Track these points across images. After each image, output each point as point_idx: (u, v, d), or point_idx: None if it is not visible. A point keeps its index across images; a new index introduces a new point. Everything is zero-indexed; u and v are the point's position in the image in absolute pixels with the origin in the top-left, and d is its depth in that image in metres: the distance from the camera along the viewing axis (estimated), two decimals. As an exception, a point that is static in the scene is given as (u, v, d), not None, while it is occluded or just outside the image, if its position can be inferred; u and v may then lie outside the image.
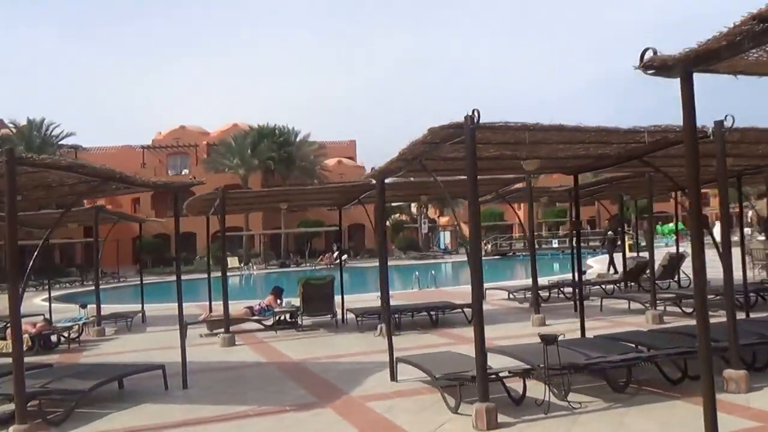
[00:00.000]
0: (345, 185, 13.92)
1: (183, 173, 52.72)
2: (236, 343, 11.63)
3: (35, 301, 24.96)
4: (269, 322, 13.33)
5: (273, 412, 6.89)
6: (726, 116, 6.20)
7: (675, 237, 18.93)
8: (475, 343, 5.97)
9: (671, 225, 52.89)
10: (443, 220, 60.11)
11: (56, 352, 11.82)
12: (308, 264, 43.04)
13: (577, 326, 11.52)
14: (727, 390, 6.42)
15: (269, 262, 44.47)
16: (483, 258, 25.33)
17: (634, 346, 7.55)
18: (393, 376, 7.96)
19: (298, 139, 49.37)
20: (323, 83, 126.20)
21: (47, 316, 13.83)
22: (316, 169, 49.25)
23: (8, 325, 13.13)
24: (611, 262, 21.57)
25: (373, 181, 15.08)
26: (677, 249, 16.95)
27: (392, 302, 14.51)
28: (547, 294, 15.71)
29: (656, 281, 16.42)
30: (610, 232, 23.82)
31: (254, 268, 41.12)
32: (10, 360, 7.12)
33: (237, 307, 13.23)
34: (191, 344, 11.95)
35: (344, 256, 44.00)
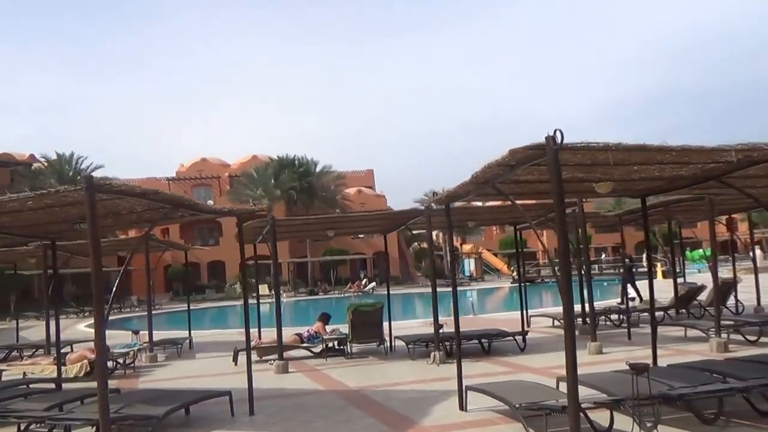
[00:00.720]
0: (392, 212, 13.86)
1: (208, 204, 53.48)
2: (289, 370, 11.52)
3: (79, 327, 25.16)
4: (318, 349, 13.24)
5: (348, 441, 6.77)
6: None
7: (710, 263, 18.60)
8: (567, 371, 5.79)
9: (701, 250, 52.36)
10: (465, 247, 59.87)
11: (113, 377, 11.80)
12: (336, 291, 42.98)
13: (636, 354, 11.38)
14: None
15: (298, 290, 44.53)
16: (510, 285, 25.48)
17: (720, 376, 7.31)
18: (462, 405, 7.78)
19: (317, 169, 50.09)
20: (337, 114, 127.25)
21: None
22: (337, 198, 49.70)
23: (72, 350, 13.30)
24: (623, 292, 20.89)
25: (422, 207, 15.03)
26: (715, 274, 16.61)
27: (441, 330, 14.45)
28: (595, 321, 15.39)
29: (708, 308, 16.30)
30: (627, 260, 23.08)
31: (284, 295, 41.10)
32: (81, 384, 7.14)
33: (285, 334, 13.13)
34: (243, 371, 11.93)
35: (372, 284, 43.99)
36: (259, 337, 14.17)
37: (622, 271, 23.87)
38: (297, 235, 19.12)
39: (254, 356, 12.85)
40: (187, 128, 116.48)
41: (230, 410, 8.10)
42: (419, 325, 17.95)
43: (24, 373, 11.95)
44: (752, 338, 11.71)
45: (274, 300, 38.97)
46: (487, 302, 31.06)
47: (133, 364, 12.66)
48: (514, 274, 49.68)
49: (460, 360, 8.20)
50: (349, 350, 12.95)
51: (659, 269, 41.34)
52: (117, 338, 15.88)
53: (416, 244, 56.85)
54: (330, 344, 13.20)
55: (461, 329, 13.47)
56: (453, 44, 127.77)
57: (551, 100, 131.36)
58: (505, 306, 26.98)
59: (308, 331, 13.35)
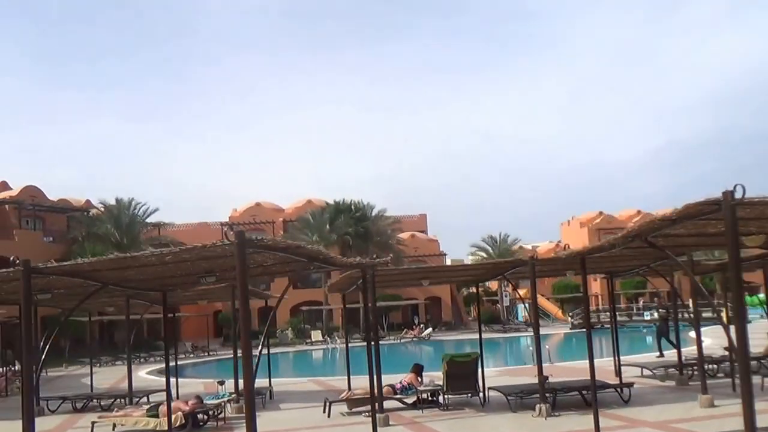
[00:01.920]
0: (494, 262, 13.71)
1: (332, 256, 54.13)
2: (390, 423, 11.29)
3: (139, 374, 25.24)
4: (410, 401, 13.00)
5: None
6: None
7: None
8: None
9: (761, 295, 50.81)
10: (520, 292, 59.03)
11: (205, 430, 11.70)
12: (391, 337, 42.63)
13: (760, 408, 10.87)
14: None
15: (352, 336, 44.28)
16: (570, 331, 24.78)
17: None
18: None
19: (373, 214, 50.13)
20: (388, 158, 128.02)
21: (198, 393, 13.82)
22: (391, 242, 49.56)
23: (148, 400, 13.27)
24: (660, 346, 20.70)
25: (524, 258, 14.72)
26: None
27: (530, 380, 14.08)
28: (690, 371, 14.85)
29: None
30: (662, 310, 22.72)
31: (338, 341, 40.88)
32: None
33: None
34: (339, 423, 11.76)
35: (429, 330, 43.54)
36: (349, 387, 13.96)
37: (657, 322, 22.94)
38: (390, 284, 18.88)
39: (344, 408, 12.76)
40: (240, 173, 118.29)
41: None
42: (496, 374, 17.54)
43: (114, 425, 11.94)
44: None
45: (331, 346, 38.94)
46: (552, 350, 30.35)
47: (223, 416, 12.57)
48: (571, 319, 48.89)
49: (597, 422, 7.85)
50: (444, 401, 12.68)
51: (724, 315, 40.13)
52: (191, 387, 15.80)
53: (465, 289, 56.44)
54: (424, 395, 12.96)
55: (555, 379, 13.17)
56: (507, 88, 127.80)
57: (605, 144, 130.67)
58: (570, 354, 26.32)
59: (401, 382, 13.11)
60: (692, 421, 10.02)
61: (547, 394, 11.70)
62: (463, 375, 12.62)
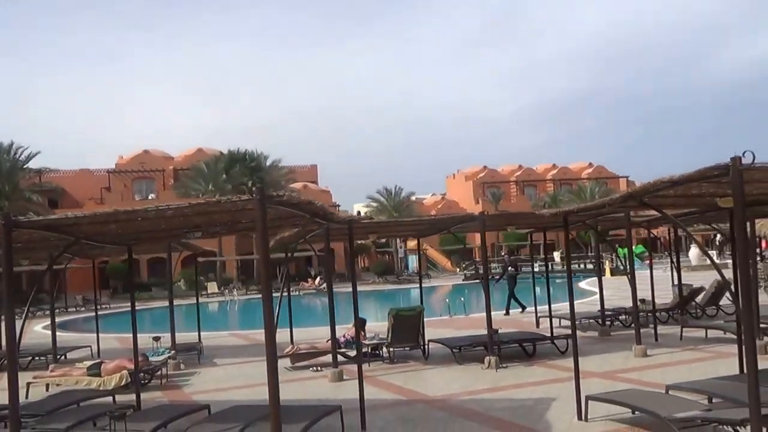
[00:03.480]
0: (447, 217, 13.80)
1: (150, 198, 51.73)
2: (344, 377, 11.25)
3: (36, 330, 23.69)
4: (352, 354, 13.01)
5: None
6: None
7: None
8: (749, 380, 5.87)
9: (634, 248, 55.00)
10: (410, 244, 60.35)
11: (150, 389, 11.14)
12: (293, 290, 42.35)
13: (685, 357, 11.80)
14: None
15: (249, 288, 43.60)
16: (462, 282, 25.26)
17: None
18: (581, 416, 7.81)
19: (268, 164, 49.21)
20: (276, 108, 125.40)
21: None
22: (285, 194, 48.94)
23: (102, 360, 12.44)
24: (509, 303, 20.93)
25: (475, 213, 14.94)
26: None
27: (465, 334, 14.48)
28: (610, 322, 15.82)
29: (704, 307, 17.07)
30: (511, 268, 22.32)
31: (236, 293, 40.13)
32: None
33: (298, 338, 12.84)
34: (290, 378, 11.57)
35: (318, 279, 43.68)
36: (291, 342, 13.76)
37: (507, 278, 22.21)
38: (338, 238, 18.26)
39: (287, 363, 12.58)
40: (126, 121, 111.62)
41: (341, 426, 7.84)
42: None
43: (47, 386, 11.15)
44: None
45: (228, 298, 37.98)
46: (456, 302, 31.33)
47: (166, 373, 12.03)
48: (465, 271, 50.66)
49: (578, 371, 8.18)
50: (388, 355, 12.80)
51: (607, 267, 43.05)
52: (107, 342, 15.02)
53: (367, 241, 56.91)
54: (367, 349, 13.00)
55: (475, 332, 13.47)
56: (392, 42, 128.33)
57: (483, 98, 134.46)
58: (474, 306, 27.25)
59: (344, 335, 13.06)
60: (634, 371, 10.68)
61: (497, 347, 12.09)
62: (407, 328, 12.75)
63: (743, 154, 5.87)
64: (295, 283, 44.62)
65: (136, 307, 9.14)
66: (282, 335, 17.20)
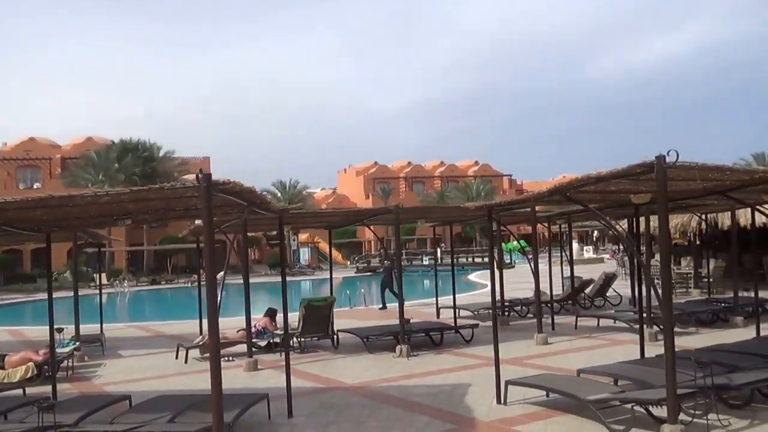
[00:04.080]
0: (361, 210, 13.77)
1: (35, 187, 48.70)
2: (258, 367, 11.08)
3: None
4: (263, 344, 12.85)
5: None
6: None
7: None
8: (667, 364, 6.34)
9: (514, 243, 57.57)
10: (301, 237, 60.04)
11: (58, 381, 10.44)
12: (183, 281, 41.06)
13: (581, 344, 12.51)
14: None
15: (139, 279, 41.87)
16: (354, 275, 24.87)
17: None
18: (500, 399, 8.11)
19: (160, 154, 47.63)
20: (170, 97, 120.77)
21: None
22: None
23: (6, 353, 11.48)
24: (383, 297, 20.14)
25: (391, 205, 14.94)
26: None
27: (365, 324, 14.65)
28: (507, 312, 16.47)
29: (593, 298, 18.17)
30: (387, 261, 21.90)
31: (126, 285, 38.37)
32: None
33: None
34: (201, 369, 11.24)
35: (221, 273, 42.44)
36: (200, 331, 13.36)
37: (384, 272, 21.72)
38: (256, 228, 17.70)
39: (196, 354, 12.23)
40: (11, 107, 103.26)
41: (268, 414, 7.74)
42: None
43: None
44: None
45: (119, 289, 36.44)
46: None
47: (72, 365, 11.40)
48: (357, 264, 50.97)
49: (497, 358, 8.47)
50: (298, 345, 12.72)
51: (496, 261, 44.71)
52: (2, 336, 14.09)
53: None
54: (277, 339, 12.85)
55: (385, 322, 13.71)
56: (286, 35, 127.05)
57: (374, 94, 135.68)
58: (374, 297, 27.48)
59: (255, 326, 12.83)
60: (539, 357, 11.22)
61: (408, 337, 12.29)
62: (318, 318, 12.72)
63: (668, 153, 6.32)
64: (187, 276, 43.31)
65: (21, 299, 8.60)
66: (186, 326, 16.84)
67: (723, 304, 15.21)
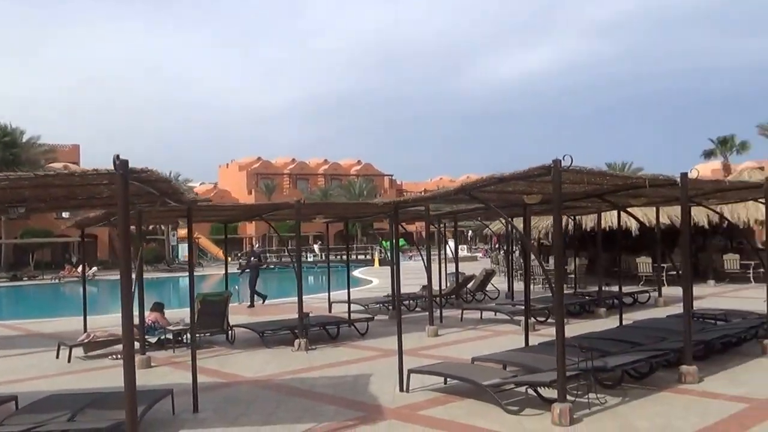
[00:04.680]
0: (259, 204, 13.67)
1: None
2: (152, 364, 10.85)
3: None
4: (153, 340, 12.55)
5: (341, 428, 7.06)
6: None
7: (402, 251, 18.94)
8: (557, 350, 6.98)
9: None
10: (181, 232, 58.19)
11: None
12: (46, 277, 38.67)
13: (468, 335, 13.24)
14: (684, 382, 8.38)
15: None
16: (236, 271, 23.99)
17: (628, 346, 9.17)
18: (403, 387, 8.51)
19: (24, 140, 44.58)
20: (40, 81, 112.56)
21: None
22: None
23: None
24: (252, 295, 20.14)
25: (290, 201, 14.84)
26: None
27: (257, 320, 14.70)
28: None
29: (474, 293, 19.12)
30: (253, 258, 21.73)
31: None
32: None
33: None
34: (84, 369, 10.87)
35: (94, 269, 40.35)
36: (85, 329, 12.83)
37: (249, 270, 21.52)
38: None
39: (79, 352, 11.77)
40: None
41: (172, 410, 7.70)
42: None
43: None
44: (542, 319, 14.34)
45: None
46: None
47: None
48: (238, 260, 49.99)
49: (401, 348, 8.86)
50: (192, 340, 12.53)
51: (376, 258, 45.57)
52: None
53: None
54: (168, 335, 12.62)
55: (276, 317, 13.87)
56: (166, 25, 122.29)
57: (257, 89, 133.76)
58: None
59: (146, 321, 12.52)
60: (432, 348, 11.78)
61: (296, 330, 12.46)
62: (213, 314, 12.62)
63: (563, 157, 6.96)
64: (53, 271, 40.87)
65: None
66: (60, 324, 16.07)
67: (588, 298, 16.56)
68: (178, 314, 14.41)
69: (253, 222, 65.16)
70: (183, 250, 55.46)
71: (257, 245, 64.77)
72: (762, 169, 28.26)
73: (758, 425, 6.71)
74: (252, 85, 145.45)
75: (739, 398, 7.68)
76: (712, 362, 9.35)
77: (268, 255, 52.46)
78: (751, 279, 21.43)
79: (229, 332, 12.93)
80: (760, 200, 10.87)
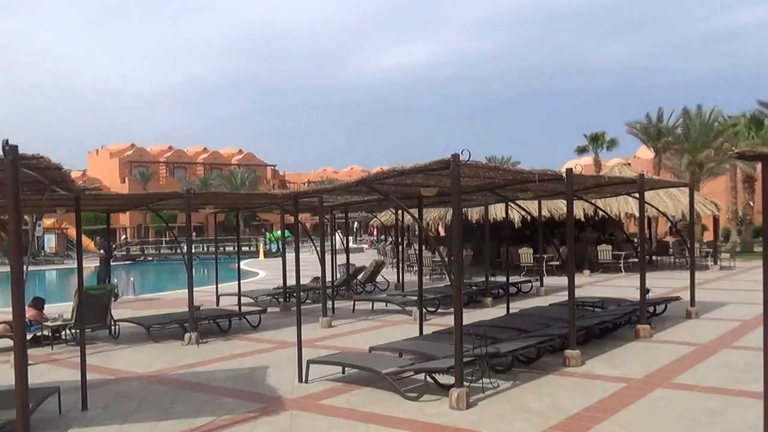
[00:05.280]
0: (147, 193, 12.99)
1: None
2: (28, 362, 10.12)
3: None
4: (29, 336, 11.75)
5: (242, 420, 6.96)
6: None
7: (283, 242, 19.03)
8: (456, 337, 7.23)
9: (277, 232, 58.22)
10: (47, 222, 54.59)
11: None
12: None
13: (360, 326, 13.38)
14: (569, 365, 8.93)
15: None
16: (113, 263, 23.12)
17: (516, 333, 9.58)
18: (302, 378, 8.50)
19: None
20: None
21: None
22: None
23: None
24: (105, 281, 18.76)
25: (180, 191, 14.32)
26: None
27: (152, 313, 14.21)
28: (287, 298, 16.85)
29: (364, 284, 19.31)
30: (101, 251, 20.88)
31: None
32: None
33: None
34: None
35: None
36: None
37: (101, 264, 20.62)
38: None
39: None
40: None
41: (58, 408, 7.28)
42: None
43: None
44: (432, 309, 14.73)
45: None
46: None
47: None
48: (113, 252, 47.58)
49: (300, 339, 8.82)
50: (72, 336, 11.87)
51: (261, 250, 44.84)
52: None
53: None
54: (46, 332, 11.86)
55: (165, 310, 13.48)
56: None
57: (128, 72, 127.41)
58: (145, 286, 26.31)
59: (21, 317, 11.69)
60: (327, 338, 11.80)
61: (186, 324, 12.10)
62: (96, 308, 11.99)
63: (461, 152, 7.20)
64: None
65: None
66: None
67: (475, 288, 17.17)
68: (52, 310, 13.56)
69: (128, 212, 62.56)
70: (48, 242, 52.11)
71: (123, 237, 62.01)
72: (629, 164, 30.47)
73: (635, 402, 7.26)
74: (125, 67, 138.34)
75: (618, 378, 8.29)
76: (592, 346, 10.03)
77: (145, 247, 50.48)
78: (622, 269, 23.12)
79: (113, 327, 12.35)
80: (633, 194, 11.71)
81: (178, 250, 47.62)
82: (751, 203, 38.32)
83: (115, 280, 21.86)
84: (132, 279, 21.78)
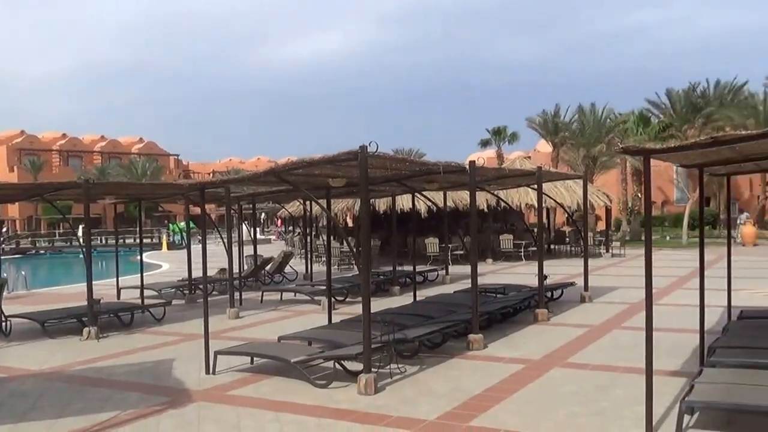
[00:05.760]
0: (42, 183, 12.27)
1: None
2: None
3: None
4: None
5: (147, 414, 6.83)
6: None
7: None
8: (364, 324, 7.37)
9: (181, 223, 56.62)
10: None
11: None
12: None
13: (270, 316, 13.35)
14: (472, 349, 9.28)
15: None
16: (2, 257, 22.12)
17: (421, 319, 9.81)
18: (209, 369, 8.41)
19: None
20: None
21: None
22: None
23: None
24: None
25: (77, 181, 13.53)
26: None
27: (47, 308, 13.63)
28: (193, 290, 16.53)
29: (273, 275, 19.20)
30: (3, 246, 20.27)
31: None
32: None
33: None
34: None
35: None
36: None
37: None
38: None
39: None
40: None
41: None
42: None
43: None
44: (340, 298, 14.85)
45: None
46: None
47: None
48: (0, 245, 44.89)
49: (207, 331, 8.70)
50: (-42, 334, 11.22)
51: (164, 242, 43.50)
52: None
53: None
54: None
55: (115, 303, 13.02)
56: None
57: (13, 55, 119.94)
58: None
59: None
60: (235, 330, 11.70)
61: (84, 318, 11.67)
62: (-16, 304, 11.39)
63: (369, 143, 7.33)
64: None
65: None
66: None
67: (383, 277, 17.43)
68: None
69: (17, 205, 59.08)
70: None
71: (5, 229, 58.54)
72: (529, 158, 31.70)
73: (533, 381, 7.66)
74: (12, 48, 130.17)
75: (518, 360, 8.70)
76: (494, 330, 10.46)
77: (37, 240, 47.93)
78: (523, 257, 24.07)
79: (5, 323, 11.74)
80: (532, 186, 12.24)
81: (74, 243, 45.97)
82: (639, 195, 40.74)
83: (5, 274, 20.65)
84: (23, 273, 20.62)
